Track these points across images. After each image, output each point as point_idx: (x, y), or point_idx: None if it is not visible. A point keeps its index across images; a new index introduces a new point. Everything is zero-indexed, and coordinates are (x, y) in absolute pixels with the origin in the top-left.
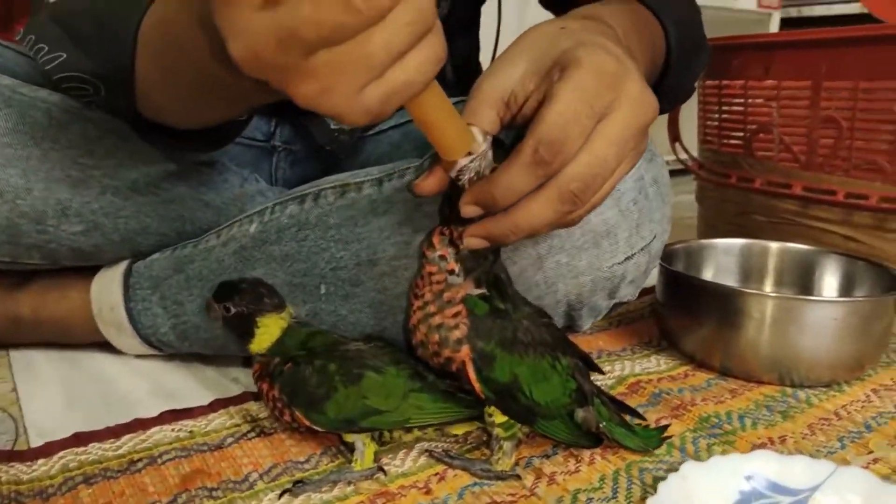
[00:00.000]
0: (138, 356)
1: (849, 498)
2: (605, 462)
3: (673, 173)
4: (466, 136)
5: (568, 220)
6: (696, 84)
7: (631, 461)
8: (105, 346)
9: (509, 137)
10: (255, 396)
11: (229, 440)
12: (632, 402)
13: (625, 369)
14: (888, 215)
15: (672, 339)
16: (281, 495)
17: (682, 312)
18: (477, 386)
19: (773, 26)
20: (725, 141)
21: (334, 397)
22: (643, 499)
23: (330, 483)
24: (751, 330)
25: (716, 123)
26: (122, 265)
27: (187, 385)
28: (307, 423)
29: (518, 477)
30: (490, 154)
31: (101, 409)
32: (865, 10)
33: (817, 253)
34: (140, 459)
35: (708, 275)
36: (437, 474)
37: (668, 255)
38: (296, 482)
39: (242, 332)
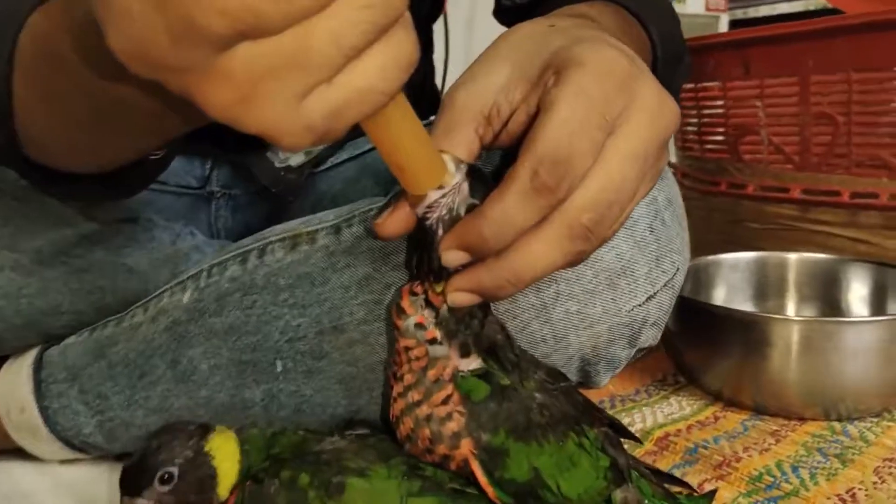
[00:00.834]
0: (62, 462)
1: None
2: None
3: None
4: (438, 164)
5: (577, 259)
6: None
7: None
8: (20, 453)
9: (491, 163)
10: None
11: None
12: (666, 464)
13: (646, 420)
14: None
15: (691, 374)
16: None
17: (701, 344)
18: (489, 490)
19: (722, 28)
20: (708, 146)
21: None
22: None
23: None
24: (786, 361)
25: (695, 129)
26: (31, 355)
27: None
28: None
29: None
30: (466, 187)
31: None
32: (809, 8)
33: (841, 262)
34: None
35: (719, 295)
36: None
37: None
38: None
39: (199, 484)
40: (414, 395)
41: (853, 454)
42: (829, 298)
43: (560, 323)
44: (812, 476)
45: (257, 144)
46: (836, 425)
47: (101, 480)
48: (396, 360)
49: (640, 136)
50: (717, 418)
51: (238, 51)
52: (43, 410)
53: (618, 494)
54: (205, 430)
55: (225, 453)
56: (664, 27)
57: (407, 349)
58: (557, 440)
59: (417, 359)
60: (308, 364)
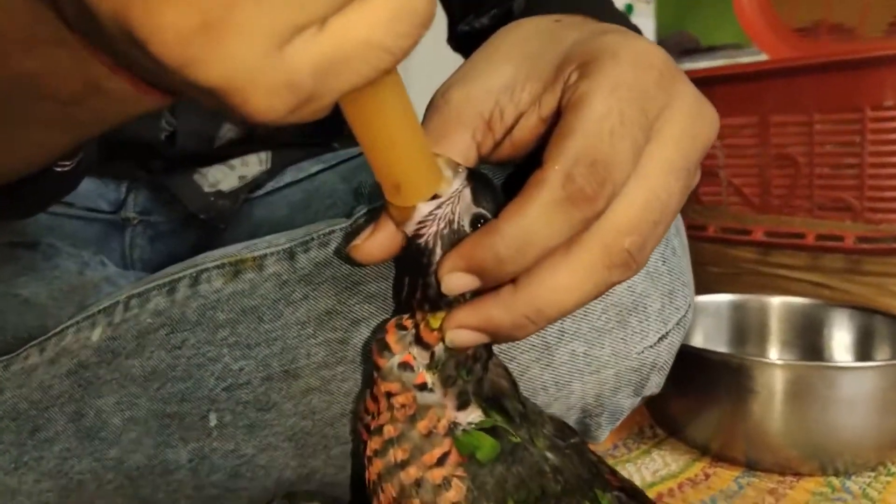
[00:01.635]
0: None
1: None
2: None
3: None
4: (433, 170)
5: (604, 292)
6: None
7: None
8: None
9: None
10: None
11: None
12: None
13: (632, 478)
14: (862, 257)
15: (672, 426)
16: None
17: (684, 393)
18: None
19: None
20: None
21: None
22: None
23: None
24: (782, 412)
25: None
26: None
27: None
28: None
29: None
30: (468, 194)
31: None
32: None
33: (823, 307)
34: None
35: (696, 341)
36: None
37: None
38: None
39: None
40: (398, 454)
41: None
42: (811, 345)
43: (563, 367)
44: None
45: (183, 165)
46: (835, 481)
47: None
48: (371, 408)
49: (681, 143)
50: (707, 475)
51: None
52: None
53: None
54: None
55: None
56: None
57: (389, 395)
58: None
59: (402, 407)
60: (251, 417)
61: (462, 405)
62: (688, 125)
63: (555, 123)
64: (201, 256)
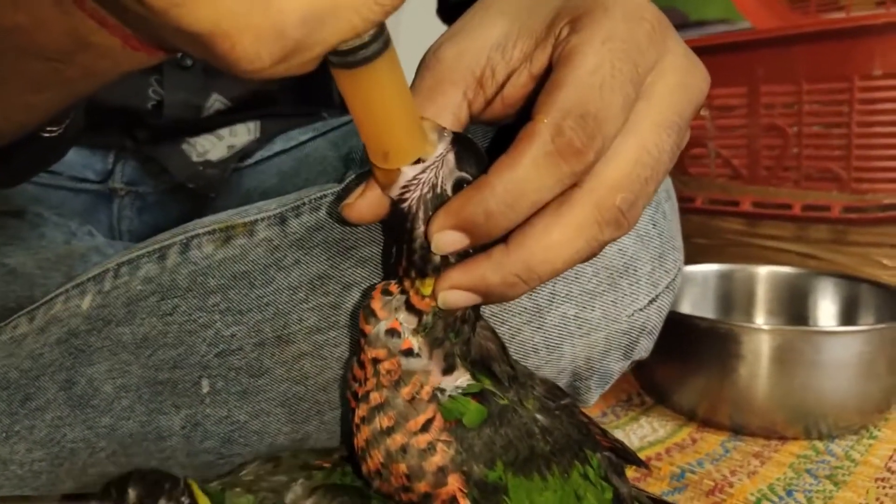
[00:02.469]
0: None
1: None
2: None
3: None
4: (419, 134)
5: (597, 252)
6: None
7: None
8: None
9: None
10: None
11: None
12: (654, 490)
13: None
14: (848, 227)
15: (659, 393)
16: None
17: (672, 360)
18: None
19: None
20: None
21: None
22: None
23: None
24: (768, 377)
25: None
26: None
27: None
28: None
29: None
30: (451, 158)
31: None
32: None
33: (809, 276)
34: None
35: (683, 309)
36: None
37: None
38: None
39: None
40: (383, 421)
41: (843, 475)
42: (797, 313)
43: (554, 329)
44: (809, 500)
45: (171, 135)
46: (819, 444)
47: None
48: (359, 375)
49: (673, 99)
50: (694, 440)
51: None
52: None
53: None
54: (185, 486)
55: None
56: None
57: (375, 361)
58: (562, 472)
59: (388, 373)
60: (243, 383)
61: (448, 369)
62: (679, 81)
63: (546, 81)
64: (191, 223)
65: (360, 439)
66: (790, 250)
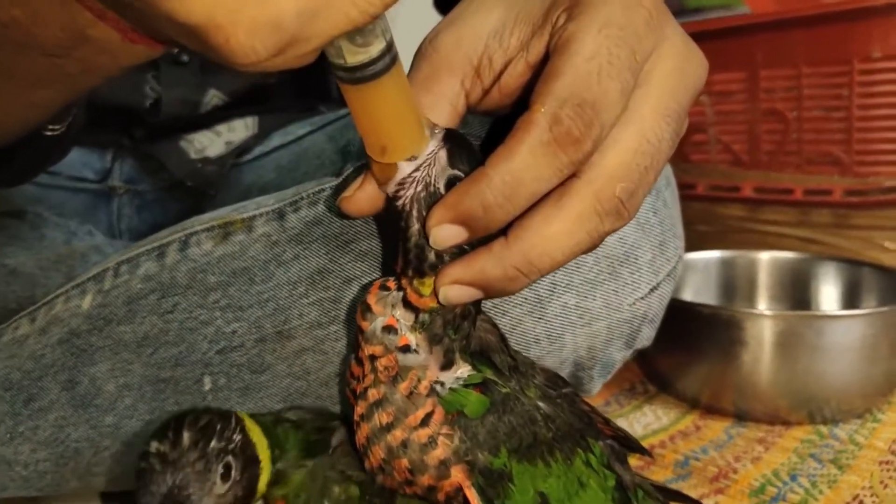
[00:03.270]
0: None
1: None
2: None
3: None
4: (418, 131)
5: (598, 243)
6: None
7: None
8: None
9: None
10: None
11: None
12: (658, 478)
13: None
14: (850, 211)
15: (663, 381)
16: None
17: (674, 348)
18: None
19: None
20: None
21: None
22: None
23: None
24: (772, 362)
25: None
26: None
27: None
28: None
29: None
30: (443, 155)
31: None
32: None
33: (810, 260)
34: None
35: (685, 297)
36: None
37: None
38: None
39: (250, 481)
40: (383, 417)
41: (848, 459)
42: (799, 298)
43: (556, 319)
44: (814, 485)
45: (169, 132)
46: (823, 429)
47: None
48: (357, 372)
49: (672, 86)
50: (698, 427)
51: None
52: None
53: None
54: (237, 421)
55: (261, 445)
56: None
57: (372, 358)
58: (565, 459)
59: (385, 369)
60: (245, 379)
61: (447, 364)
62: (678, 68)
63: (543, 69)
64: (190, 220)
65: (360, 436)
66: (792, 235)
